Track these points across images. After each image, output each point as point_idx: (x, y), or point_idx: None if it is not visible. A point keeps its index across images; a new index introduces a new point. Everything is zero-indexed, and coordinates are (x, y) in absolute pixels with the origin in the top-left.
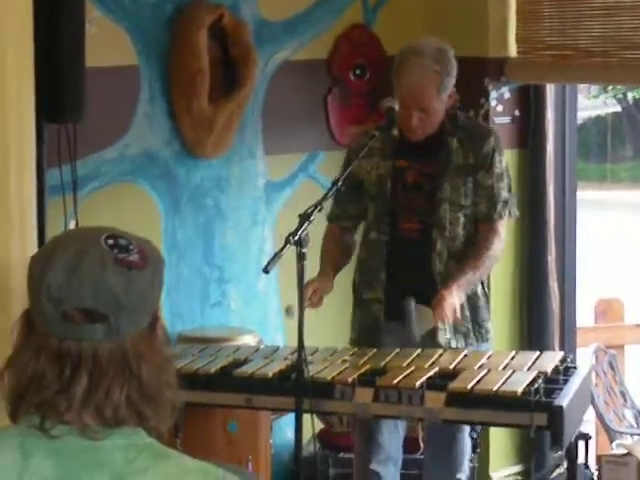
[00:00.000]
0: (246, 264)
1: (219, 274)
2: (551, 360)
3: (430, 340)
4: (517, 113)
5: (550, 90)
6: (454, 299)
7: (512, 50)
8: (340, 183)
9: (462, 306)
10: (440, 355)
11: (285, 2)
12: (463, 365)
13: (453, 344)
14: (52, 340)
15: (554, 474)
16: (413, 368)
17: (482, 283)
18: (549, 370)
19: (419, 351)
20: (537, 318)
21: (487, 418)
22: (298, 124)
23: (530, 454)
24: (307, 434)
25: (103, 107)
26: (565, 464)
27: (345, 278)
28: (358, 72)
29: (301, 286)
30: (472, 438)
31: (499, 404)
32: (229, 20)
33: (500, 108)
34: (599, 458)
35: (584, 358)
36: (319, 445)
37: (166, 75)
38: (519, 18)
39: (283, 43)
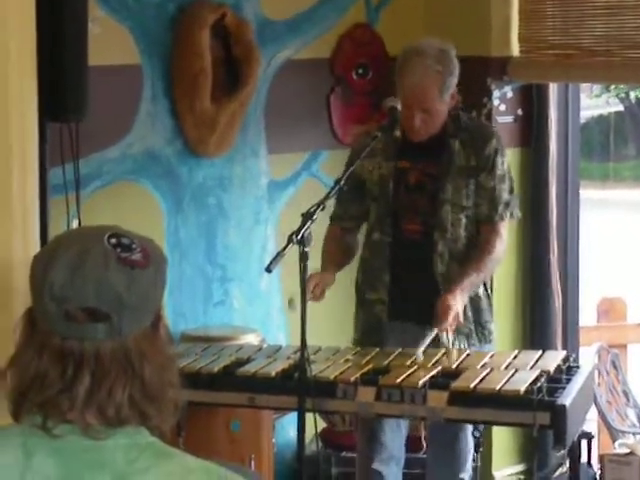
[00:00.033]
0: (249, 263)
1: (222, 273)
2: (554, 359)
3: (432, 343)
4: (520, 112)
5: (553, 89)
6: (458, 304)
7: (515, 49)
8: (343, 182)
9: (465, 308)
10: (442, 354)
11: (288, 1)
12: (466, 364)
13: (456, 346)
14: (55, 339)
15: (557, 473)
16: (416, 367)
17: (485, 284)
18: (552, 369)
19: (426, 348)
20: (540, 317)
21: (490, 417)
22: (301, 123)
23: (533, 453)
24: (310, 433)
25: (106, 106)
26: (568, 463)
27: (347, 277)
28: (361, 71)
29: (303, 285)
30: (475, 437)
31: (502, 403)
32: (232, 19)
33: (503, 107)
34: (602, 457)
35: (587, 357)
36: (321, 444)
37: (169, 74)
38: (522, 17)
39: (286, 42)
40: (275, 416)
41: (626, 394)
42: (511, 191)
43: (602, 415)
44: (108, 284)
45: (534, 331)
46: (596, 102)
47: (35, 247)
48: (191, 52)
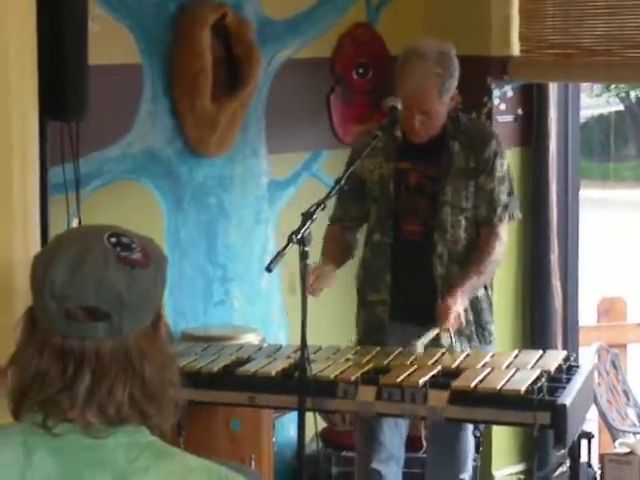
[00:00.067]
0: (249, 263)
1: (222, 273)
2: (554, 359)
3: (433, 343)
4: (520, 112)
5: (553, 89)
6: (459, 307)
7: (515, 49)
8: (343, 182)
9: (465, 310)
10: (443, 354)
11: (288, 1)
12: (466, 364)
13: (457, 348)
14: (55, 338)
15: (557, 473)
16: (416, 367)
17: (485, 286)
18: (552, 369)
19: (427, 342)
20: (540, 317)
21: (490, 417)
22: (301, 123)
23: (533, 453)
24: (310, 432)
25: (106, 105)
26: (568, 463)
27: (347, 277)
28: (361, 71)
29: (304, 284)
30: (475, 437)
31: (502, 403)
32: (232, 19)
33: (503, 107)
34: (602, 457)
35: (587, 357)
36: (322, 443)
37: (169, 73)
38: (522, 16)
39: (286, 42)
40: (275, 415)
41: (626, 394)
42: (510, 193)
43: (602, 415)
44: (108, 283)
45: (534, 331)
46: (596, 102)
47: (35, 246)
48: (192, 51)
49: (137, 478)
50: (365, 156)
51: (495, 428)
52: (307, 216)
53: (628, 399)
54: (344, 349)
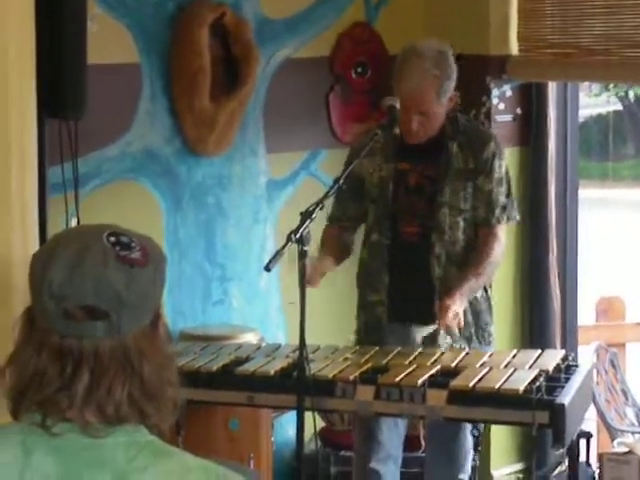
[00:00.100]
0: (248, 262)
1: (221, 272)
2: (553, 358)
3: (431, 343)
4: (519, 111)
5: (552, 88)
6: (458, 308)
7: (514, 48)
8: (342, 181)
9: (465, 312)
10: (442, 353)
11: (287, 0)
12: (465, 363)
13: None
14: (54, 337)
15: (555, 472)
16: (415, 366)
17: (484, 287)
18: (551, 368)
19: (421, 349)
20: (538, 316)
21: (489, 416)
22: (300, 122)
23: (531, 452)
24: (308, 432)
25: (105, 105)
26: (566, 462)
27: (346, 276)
28: (360, 70)
29: (302, 284)
30: (474, 436)
31: (501, 402)
32: (231, 18)
33: (502, 106)
34: (600, 456)
35: (585, 356)
36: (320, 443)
37: (168, 73)
38: (521, 16)
39: (285, 41)
40: (274, 415)
41: (625, 393)
42: (508, 194)
43: (601, 414)
44: (107, 282)
45: (533, 330)
46: (595, 101)
47: (34, 245)
48: (190, 51)
49: (136, 477)
50: (364, 155)
51: (494, 427)
52: (306, 215)
53: (627, 398)
54: (343, 348)
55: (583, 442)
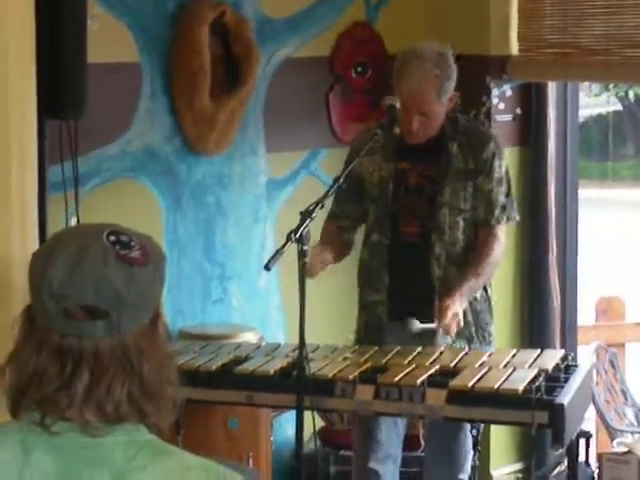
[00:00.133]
0: (247, 261)
1: (220, 271)
2: (552, 358)
3: (429, 343)
4: (519, 111)
5: (552, 88)
6: (457, 308)
7: (514, 48)
8: (342, 180)
9: (465, 312)
10: (441, 353)
11: None
12: (464, 363)
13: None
14: (53, 336)
15: (555, 472)
16: (414, 366)
17: (485, 287)
18: (550, 368)
19: (420, 349)
20: (538, 316)
21: (488, 416)
22: (300, 121)
23: (531, 452)
24: (308, 431)
25: (105, 103)
26: (566, 462)
27: (345, 276)
28: (360, 70)
29: (302, 283)
30: (473, 436)
31: (500, 402)
32: (231, 17)
33: (502, 106)
34: (600, 456)
35: (585, 356)
36: (320, 442)
37: (168, 72)
38: (521, 16)
39: (285, 40)
40: (273, 414)
41: (624, 393)
42: (508, 194)
43: (600, 414)
44: (107, 281)
45: (532, 330)
46: (595, 101)
47: (34, 244)
48: (190, 49)
49: (135, 476)
50: (364, 155)
51: (493, 427)
52: (306, 215)
53: (626, 398)
54: (342, 348)
55: (582, 442)
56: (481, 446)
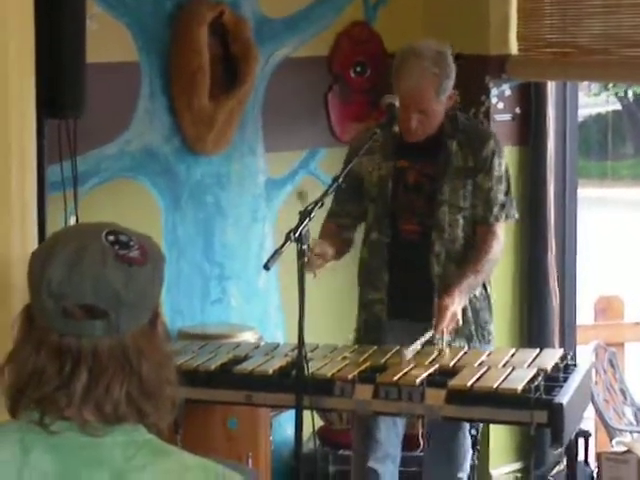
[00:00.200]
0: (246, 261)
1: (219, 271)
2: (551, 357)
3: (429, 342)
4: (518, 111)
5: (551, 88)
6: (456, 306)
7: (513, 47)
8: (341, 180)
9: (465, 310)
10: (440, 352)
11: None
12: (463, 362)
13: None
14: (52, 335)
15: (554, 471)
16: (413, 365)
17: (484, 286)
18: (549, 367)
19: (419, 348)
20: (537, 315)
21: (487, 415)
22: (299, 121)
23: (530, 451)
24: (307, 431)
25: (104, 103)
26: (565, 461)
27: (345, 275)
28: (359, 69)
29: (301, 283)
30: (472, 435)
31: (499, 401)
32: (230, 17)
33: (501, 105)
34: (599, 455)
35: (584, 356)
36: (319, 442)
37: (167, 71)
38: (520, 15)
39: (284, 40)
40: (272, 414)
41: (623, 392)
42: (507, 193)
43: (599, 413)
44: (106, 281)
45: (532, 329)
46: (594, 101)
47: (33, 244)
48: (189, 49)
49: (134, 476)
50: (363, 154)
51: (492, 427)
52: (304, 214)
53: (625, 398)
54: (341, 347)
55: (581, 441)
56: (480, 445)
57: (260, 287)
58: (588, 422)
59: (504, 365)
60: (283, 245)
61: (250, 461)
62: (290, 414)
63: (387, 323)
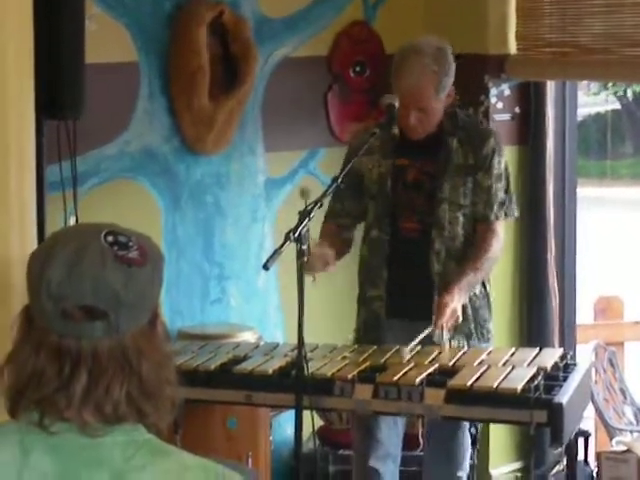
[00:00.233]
0: (246, 261)
1: (219, 271)
2: (551, 357)
3: (428, 341)
4: (517, 110)
5: (550, 87)
6: (455, 303)
7: (512, 47)
8: (340, 180)
9: (464, 307)
10: (439, 352)
11: None
12: (462, 362)
13: (454, 344)
14: (52, 336)
15: (554, 471)
16: (413, 365)
17: (484, 284)
18: (549, 367)
19: (419, 348)
20: (537, 315)
21: (487, 415)
22: (298, 121)
23: (530, 451)
24: (307, 431)
25: (103, 103)
26: (565, 461)
27: (344, 275)
28: (358, 69)
29: (301, 283)
30: (471, 434)
31: (499, 401)
32: (229, 17)
33: (500, 105)
34: (599, 455)
35: (584, 355)
36: (319, 442)
37: (166, 72)
38: (519, 15)
39: (283, 40)
40: (272, 414)
41: (623, 392)
42: (507, 191)
43: (599, 413)
44: (105, 282)
45: (531, 329)
46: (594, 100)
47: (32, 244)
48: (188, 49)
49: (134, 476)
50: (362, 154)
51: (492, 426)
52: (304, 214)
53: (625, 397)
54: (341, 347)
55: (581, 441)
56: (480, 445)
57: (259, 287)
58: (588, 422)
59: (504, 364)
60: (282, 245)
61: (250, 461)
62: (290, 414)
63: (386, 322)
